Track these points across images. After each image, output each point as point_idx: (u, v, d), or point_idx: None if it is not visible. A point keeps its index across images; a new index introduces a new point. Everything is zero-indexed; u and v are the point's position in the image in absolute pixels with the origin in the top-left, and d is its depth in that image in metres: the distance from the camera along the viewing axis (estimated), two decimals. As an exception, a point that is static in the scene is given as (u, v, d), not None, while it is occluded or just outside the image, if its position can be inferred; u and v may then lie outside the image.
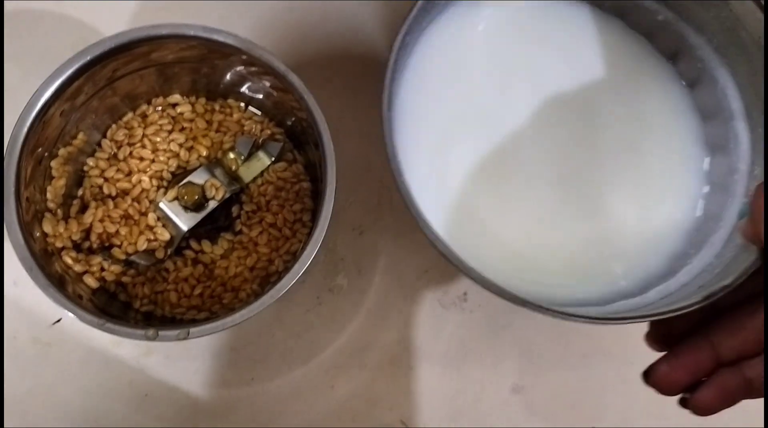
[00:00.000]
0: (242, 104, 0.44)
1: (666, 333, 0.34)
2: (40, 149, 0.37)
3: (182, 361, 0.46)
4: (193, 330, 0.34)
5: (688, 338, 0.33)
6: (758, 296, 0.31)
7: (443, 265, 0.48)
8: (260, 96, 0.43)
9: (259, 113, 0.45)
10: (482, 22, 0.40)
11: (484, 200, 0.38)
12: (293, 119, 0.43)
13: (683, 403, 0.33)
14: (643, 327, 0.48)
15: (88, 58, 0.36)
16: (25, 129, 0.35)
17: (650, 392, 0.47)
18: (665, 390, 0.33)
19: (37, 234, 0.37)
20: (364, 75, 0.49)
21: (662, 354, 0.34)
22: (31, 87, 0.38)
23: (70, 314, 0.34)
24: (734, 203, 0.37)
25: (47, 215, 0.38)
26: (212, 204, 0.41)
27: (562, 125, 0.40)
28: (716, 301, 0.32)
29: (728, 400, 0.31)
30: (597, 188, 0.39)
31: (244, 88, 0.43)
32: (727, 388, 0.31)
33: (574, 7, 0.41)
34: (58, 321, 0.46)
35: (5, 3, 0.50)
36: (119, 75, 0.40)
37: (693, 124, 0.40)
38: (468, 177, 0.38)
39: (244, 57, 0.38)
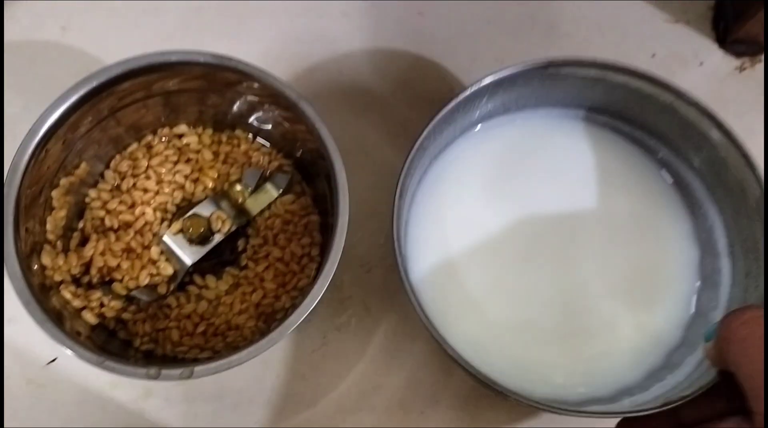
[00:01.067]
0: (250, 135, 0.43)
1: None
2: (41, 179, 0.36)
3: (182, 404, 0.44)
4: (197, 368, 0.32)
5: None
6: (719, 416, 0.32)
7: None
8: (269, 127, 0.42)
9: (267, 144, 0.43)
10: (486, 145, 0.43)
11: (484, 302, 0.41)
12: (302, 150, 0.42)
13: None
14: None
15: (94, 84, 0.36)
16: (26, 157, 0.34)
17: None
18: None
19: (35, 267, 0.36)
20: (371, 111, 0.49)
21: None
22: (33, 117, 0.37)
23: (68, 352, 0.32)
24: None
25: (46, 247, 0.37)
26: (218, 237, 0.39)
27: (561, 240, 0.42)
28: (683, 418, 0.34)
29: None
30: (593, 304, 0.41)
31: (252, 119, 0.42)
32: None
33: (580, 131, 0.44)
34: (53, 360, 0.44)
35: (8, 33, 0.49)
36: (124, 104, 0.39)
37: (692, 252, 0.42)
38: (469, 279, 0.41)
39: (255, 85, 0.37)
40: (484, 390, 0.44)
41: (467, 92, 0.38)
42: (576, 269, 0.41)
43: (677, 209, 0.43)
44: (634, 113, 0.42)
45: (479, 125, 0.43)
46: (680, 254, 0.42)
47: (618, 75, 0.40)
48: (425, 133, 0.37)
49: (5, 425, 0.43)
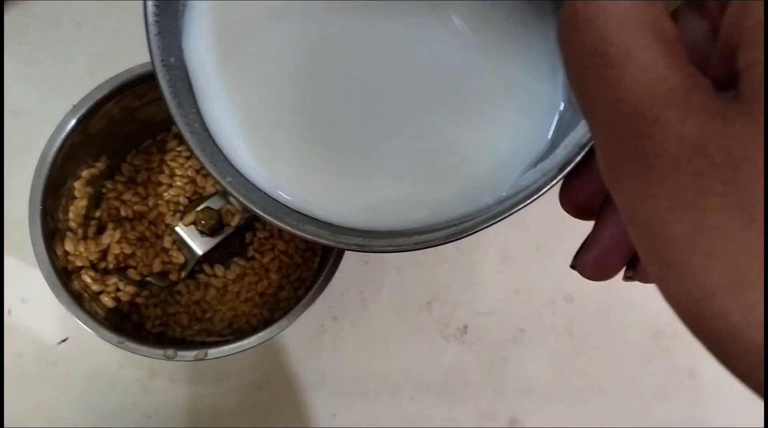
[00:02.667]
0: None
1: (577, 204, 0.27)
2: (66, 170, 0.38)
3: (186, 385, 0.46)
4: (211, 351, 0.35)
5: (608, 205, 0.26)
6: None
7: (445, 298, 0.49)
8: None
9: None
10: None
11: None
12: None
13: (628, 279, 0.27)
14: (636, 366, 0.50)
15: (119, 83, 0.38)
16: (54, 150, 0.36)
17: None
18: (601, 278, 0.26)
19: (59, 253, 0.38)
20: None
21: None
22: (49, 108, 0.39)
23: (91, 332, 0.35)
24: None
25: (68, 234, 0.39)
26: (228, 230, 0.42)
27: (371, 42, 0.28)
28: None
29: None
30: (418, 115, 0.28)
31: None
32: None
33: None
34: (65, 340, 0.46)
35: (25, 28, 0.51)
36: (143, 102, 0.41)
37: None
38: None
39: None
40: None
41: None
42: (394, 72, 0.28)
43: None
44: None
45: None
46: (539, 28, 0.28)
47: None
48: None
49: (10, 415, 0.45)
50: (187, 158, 0.44)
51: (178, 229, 0.42)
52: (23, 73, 0.50)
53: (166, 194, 0.43)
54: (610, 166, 0.14)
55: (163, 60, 0.27)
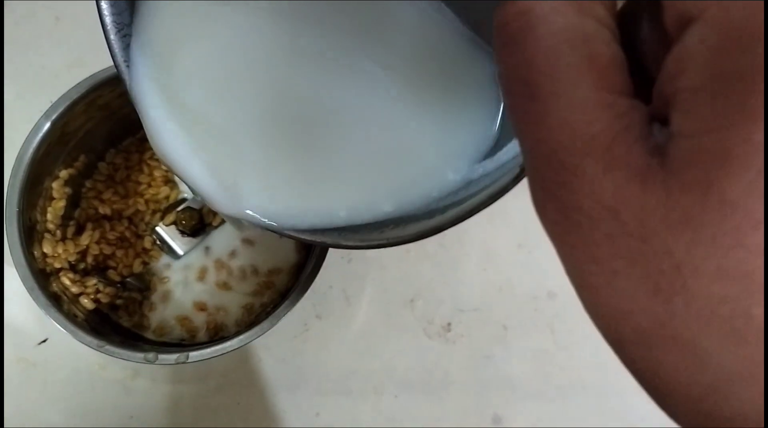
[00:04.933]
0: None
1: None
2: (43, 171, 0.38)
3: (168, 385, 0.46)
4: (192, 353, 0.34)
5: None
6: None
7: (428, 295, 0.49)
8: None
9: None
10: None
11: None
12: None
13: None
14: (618, 363, 0.50)
15: (97, 81, 0.37)
16: (31, 151, 0.36)
17: (625, 425, 0.49)
18: None
19: (37, 254, 0.37)
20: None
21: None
22: (26, 105, 0.38)
23: (70, 335, 0.34)
24: None
25: (47, 235, 0.39)
26: (209, 230, 0.41)
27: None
28: None
29: None
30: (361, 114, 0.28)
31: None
32: None
33: None
34: (44, 341, 0.46)
35: (5, 21, 0.50)
36: (123, 101, 0.40)
37: None
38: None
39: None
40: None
41: None
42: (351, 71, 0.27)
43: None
44: None
45: None
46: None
47: None
48: None
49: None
50: (168, 157, 0.43)
51: (158, 229, 0.41)
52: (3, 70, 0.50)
53: (145, 193, 0.43)
54: (535, 199, 0.14)
55: (126, 61, 0.26)
